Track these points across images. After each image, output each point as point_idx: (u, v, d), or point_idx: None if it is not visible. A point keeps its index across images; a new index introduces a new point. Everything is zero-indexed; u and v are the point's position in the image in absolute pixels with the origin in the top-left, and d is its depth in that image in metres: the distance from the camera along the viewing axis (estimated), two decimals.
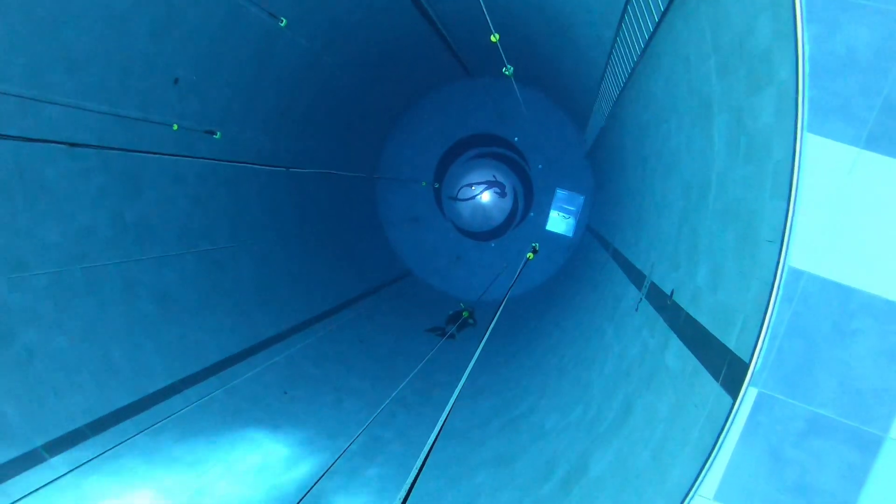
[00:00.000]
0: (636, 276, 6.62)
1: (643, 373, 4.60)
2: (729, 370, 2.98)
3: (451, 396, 8.98)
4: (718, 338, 3.27)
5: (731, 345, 3.05)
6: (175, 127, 7.62)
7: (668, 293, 4.71)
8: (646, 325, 5.24)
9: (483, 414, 8.66)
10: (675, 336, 4.13)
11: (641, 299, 5.88)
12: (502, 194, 19.58)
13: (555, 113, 18.40)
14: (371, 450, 8.00)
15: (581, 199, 18.68)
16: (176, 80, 8.52)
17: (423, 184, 15.31)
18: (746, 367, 2.74)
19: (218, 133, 8.22)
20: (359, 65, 13.51)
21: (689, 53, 4.52)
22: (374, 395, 10.16)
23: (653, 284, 5.58)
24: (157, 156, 8.17)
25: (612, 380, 5.49)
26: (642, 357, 4.86)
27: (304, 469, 7.50)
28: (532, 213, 19.36)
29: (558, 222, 18.91)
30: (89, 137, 7.17)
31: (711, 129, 4.09)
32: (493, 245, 19.52)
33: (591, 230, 16.13)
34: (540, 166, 19.14)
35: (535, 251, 7.99)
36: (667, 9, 4.84)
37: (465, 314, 15.37)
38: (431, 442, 2.32)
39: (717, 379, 3.11)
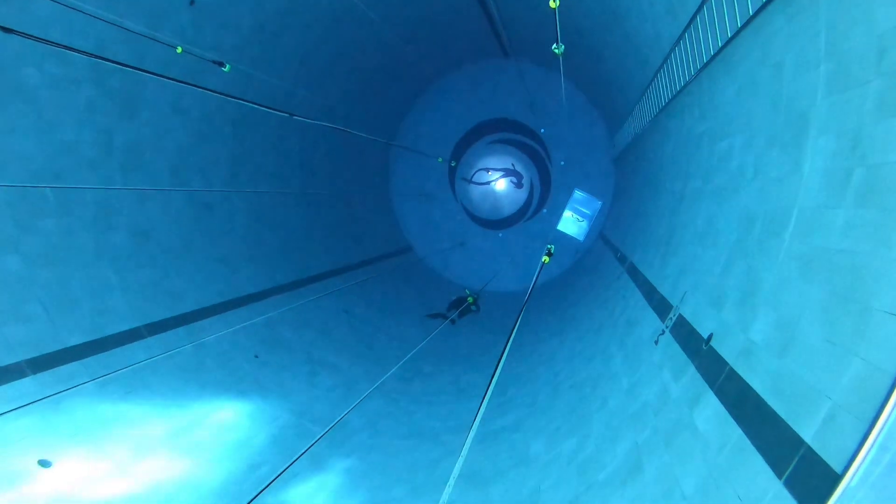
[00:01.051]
0: (659, 303, 5.92)
1: (660, 424, 3.93)
2: (800, 469, 2.30)
3: (434, 388, 8.28)
4: (784, 419, 2.59)
5: (807, 436, 2.36)
6: (179, 49, 6.84)
7: (705, 337, 4.02)
8: (668, 366, 4.56)
9: (461, 416, 8.02)
10: (711, 393, 3.45)
11: (664, 332, 5.19)
12: (518, 185, 18.83)
13: (588, 110, 17.57)
14: (337, 437, 7.35)
15: (599, 204, 17.94)
16: (192, 1, 7.74)
17: (440, 160, 14.57)
18: (835, 477, 2.05)
19: (227, 66, 7.45)
20: (393, 23, 12.66)
21: (785, 59, 3.77)
22: (351, 373, 9.53)
23: (681, 318, 4.89)
24: (158, 78, 7.42)
25: (617, 419, 4.82)
26: (660, 404, 4.18)
27: (262, 448, 6.87)
28: (545, 210, 18.64)
29: (571, 224, 18.18)
30: (84, 44, 6.41)
31: (802, 155, 3.36)
32: (500, 235, 18.83)
33: (604, 239, 15.41)
34: (562, 163, 18.37)
35: (550, 254, 7.27)
36: (764, 5, 4.08)
37: (469, 299, 14.78)
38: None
39: (778, 474, 2.43)
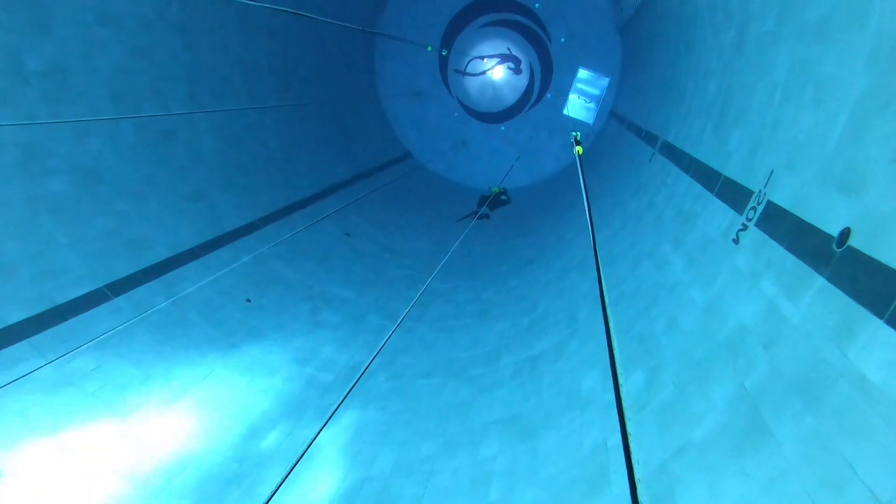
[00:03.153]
0: (726, 189, 4.67)
1: (783, 364, 2.82)
2: None
3: (452, 310, 7.25)
4: None
5: None
6: None
7: (835, 234, 2.82)
8: (769, 275, 3.40)
9: (490, 343, 7.02)
10: (880, 321, 2.32)
11: (745, 227, 3.99)
12: (517, 70, 17.11)
13: None
14: (348, 382, 6.38)
15: (606, 81, 16.28)
16: None
17: (429, 48, 12.93)
18: None
19: None
20: None
21: None
22: (359, 305, 8.50)
23: (774, 207, 3.67)
24: None
25: (701, 348, 3.71)
26: (773, 332, 3.05)
27: (267, 410, 5.91)
28: (549, 95, 17.03)
29: (578, 107, 16.62)
30: None
31: None
32: (502, 128, 17.35)
33: (618, 118, 13.90)
34: (563, 40, 16.55)
35: (578, 142, 5.98)
36: None
37: (495, 189, 13.66)
38: None
39: None
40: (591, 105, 16.46)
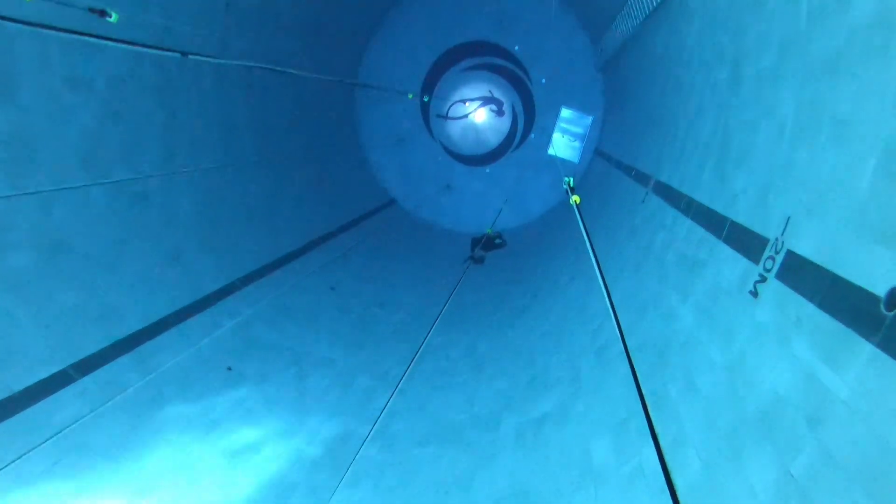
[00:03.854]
0: (735, 234, 4.35)
1: (837, 446, 2.45)
2: None
3: (446, 366, 6.80)
4: None
5: None
6: None
7: (881, 294, 2.48)
8: (798, 335, 3.04)
9: (488, 403, 6.57)
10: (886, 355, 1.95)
11: (764, 278, 3.65)
12: (499, 112, 17.02)
13: (565, 17, 15.59)
14: (340, 457, 5.90)
15: (590, 119, 16.20)
16: None
17: (410, 96, 12.79)
18: None
19: (114, 15, 5.62)
20: None
21: None
22: (347, 366, 8.04)
23: (795, 257, 3.34)
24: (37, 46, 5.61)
25: (725, 416, 3.32)
26: (816, 404, 2.68)
27: (248, 498, 5.39)
28: (533, 135, 16.91)
29: (563, 146, 16.48)
30: None
31: None
32: (487, 171, 17.15)
33: (604, 156, 13.72)
34: (543, 81, 16.52)
35: (572, 188, 5.67)
36: None
37: (489, 231, 13.32)
38: None
39: None
40: (576, 144, 16.34)
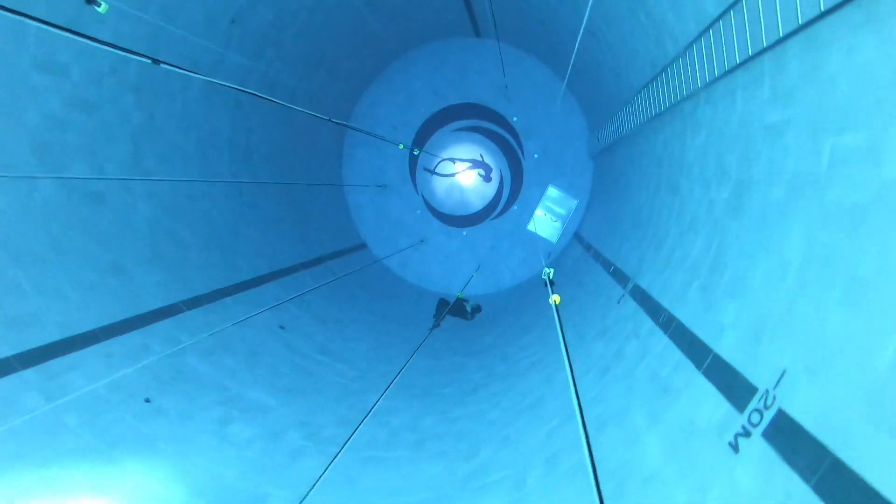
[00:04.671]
0: (717, 370, 4.03)
1: None
2: None
3: (385, 437, 6.26)
4: None
5: None
6: None
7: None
8: (770, 497, 2.69)
9: (419, 492, 6.04)
10: None
11: (748, 432, 3.30)
12: (487, 178, 16.91)
13: (568, 99, 15.74)
14: None
15: (575, 202, 16.17)
16: None
17: (401, 146, 12.56)
18: None
19: (103, 5, 5.25)
20: None
21: None
22: (279, 417, 7.43)
23: (788, 420, 3.01)
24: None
25: None
26: None
27: None
28: (516, 207, 16.80)
29: (544, 224, 16.36)
30: None
31: None
32: (464, 233, 16.89)
33: (583, 243, 13.59)
34: (536, 155, 16.53)
35: (551, 282, 5.34)
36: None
37: (459, 295, 12.82)
38: None
39: None
40: (557, 224, 16.25)
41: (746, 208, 4.77)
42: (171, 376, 6.92)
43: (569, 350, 7.67)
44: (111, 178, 7.22)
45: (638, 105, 9.03)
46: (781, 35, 4.04)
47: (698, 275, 5.37)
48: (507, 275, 16.40)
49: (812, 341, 3.12)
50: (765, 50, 4.42)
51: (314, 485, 4.74)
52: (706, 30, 5.57)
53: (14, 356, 5.43)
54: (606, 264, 9.65)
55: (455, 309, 13.44)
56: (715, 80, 5.65)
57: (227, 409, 7.09)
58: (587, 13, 6.82)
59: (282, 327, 9.79)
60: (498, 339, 11.18)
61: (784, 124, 4.23)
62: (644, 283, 6.98)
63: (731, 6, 4.86)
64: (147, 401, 6.41)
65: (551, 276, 5.80)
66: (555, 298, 4.42)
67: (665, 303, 5.90)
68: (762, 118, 4.66)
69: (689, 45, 6.15)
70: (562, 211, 16.28)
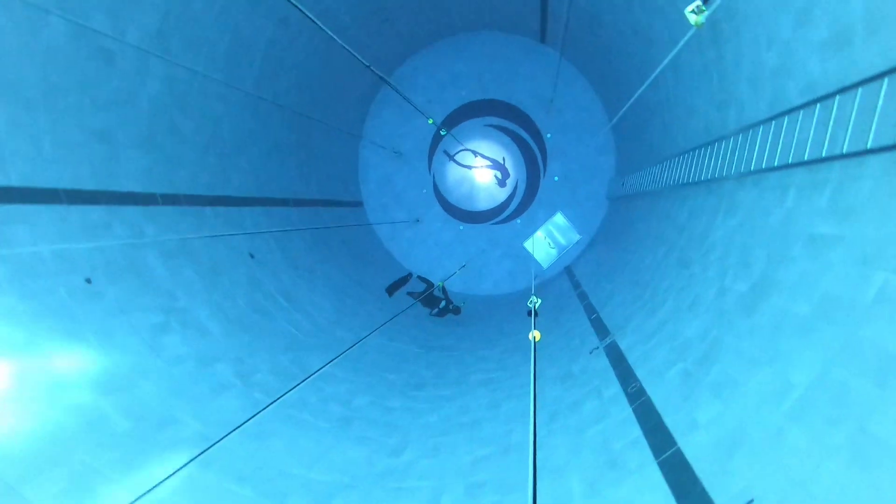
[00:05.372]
0: (683, 477, 3.73)
1: None
2: None
3: (320, 399, 5.84)
4: None
5: None
6: None
7: None
8: None
9: (339, 470, 5.73)
10: None
11: None
12: (501, 183, 16.53)
13: (606, 137, 15.43)
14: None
15: (578, 238, 15.87)
16: None
17: (430, 121, 12.15)
18: None
19: None
20: None
21: None
22: (215, 346, 7.07)
23: None
24: None
25: None
26: None
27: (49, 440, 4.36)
28: (519, 220, 16.47)
29: (541, 247, 16.06)
30: None
31: None
32: (461, 227, 16.54)
33: (572, 280, 13.30)
34: (556, 178, 16.19)
35: (536, 313, 5.02)
36: None
37: (440, 284, 12.40)
38: None
39: None
40: (554, 252, 15.96)
41: (761, 311, 4.47)
42: (123, 266, 6.50)
43: (514, 372, 7.38)
44: (129, 43, 6.74)
45: (677, 165, 8.72)
46: (868, 147, 3.73)
47: (685, 358, 5.08)
48: (489, 282, 16.10)
49: (796, 482, 2.83)
50: (841, 157, 4.11)
51: (229, 433, 4.40)
52: (780, 115, 5.26)
53: None
54: (590, 309, 9.36)
55: (428, 299, 13.12)
56: (770, 170, 5.35)
57: (167, 318, 6.70)
58: (664, 63, 6.47)
59: (252, 256, 9.40)
60: (460, 343, 10.87)
61: (834, 240, 3.92)
62: (623, 344, 6.69)
63: (820, 100, 4.54)
64: (88, 281, 6.00)
65: (537, 306, 5.48)
66: (535, 334, 4.09)
67: (640, 373, 5.61)
68: (810, 225, 4.35)
69: (756, 125, 5.83)
70: (562, 241, 15.98)
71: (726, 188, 6.68)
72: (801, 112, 4.76)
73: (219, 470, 5.23)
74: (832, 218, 4.02)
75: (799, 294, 4.04)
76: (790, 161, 4.84)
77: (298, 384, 5.17)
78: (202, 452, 4.13)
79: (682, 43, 5.38)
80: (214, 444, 4.33)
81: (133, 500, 4.32)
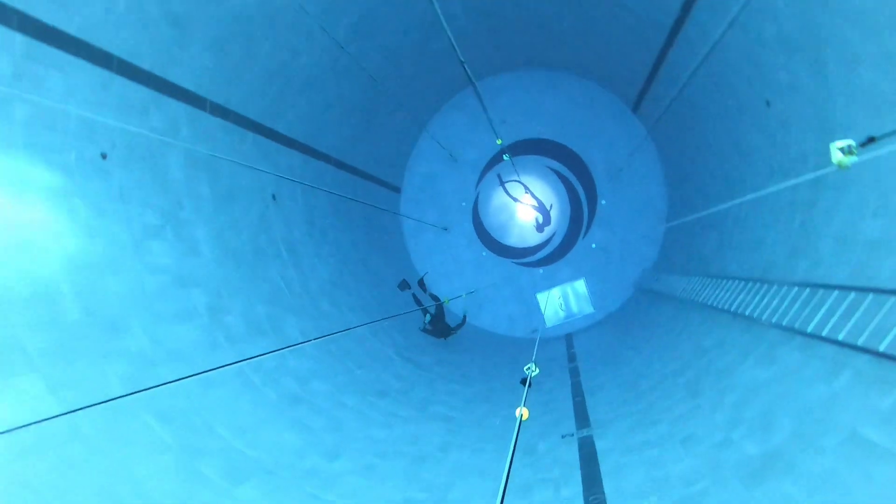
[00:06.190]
0: None
1: None
2: None
3: (275, 367, 5.43)
4: None
5: None
6: None
7: None
8: None
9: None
10: None
11: None
12: (539, 228, 16.10)
13: (657, 229, 14.97)
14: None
15: (591, 311, 15.38)
16: None
17: (499, 141, 11.76)
18: None
19: None
20: None
21: None
22: (200, 270, 6.68)
23: None
24: None
25: None
26: None
27: None
28: (542, 270, 15.99)
29: (552, 305, 15.57)
30: None
31: None
32: (483, 254, 16.09)
33: (568, 349, 12.77)
34: (593, 245, 15.74)
35: (529, 384, 4.56)
36: None
37: (446, 301, 11.97)
38: None
39: None
40: (562, 315, 15.48)
41: (764, 489, 3.98)
42: (142, 156, 6.13)
43: (468, 414, 6.89)
44: None
45: (721, 287, 8.22)
46: None
47: (662, 495, 4.60)
48: (487, 317, 15.62)
49: None
50: None
51: (184, 377, 3.99)
52: (863, 289, 4.77)
53: (14, 10, 4.62)
54: (577, 389, 8.86)
55: (437, 321, 12.77)
56: (830, 341, 4.86)
57: (163, 223, 6.31)
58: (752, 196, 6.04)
59: (274, 197, 9.03)
60: (436, 366, 10.42)
61: (883, 453, 3.44)
62: (600, 445, 6.20)
63: None
64: (103, 156, 5.63)
65: (533, 374, 5.03)
66: (523, 412, 3.63)
67: (608, 486, 5.13)
68: (858, 422, 3.86)
69: (829, 287, 5.36)
70: (574, 308, 15.50)
71: (768, 336, 6.18)
72: (893, 299, 4.27)
73: (146, 401, 4.79)
74: (890, 427, 3.53)
75: (816, 494, 3.55)
76: (859, 344, 4.35)
77: (271, 352, 4.79)
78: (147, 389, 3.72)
79: (794, 181, 4.91)
80: (161, 385, 3.92)
81: (47, 397, 3.94)
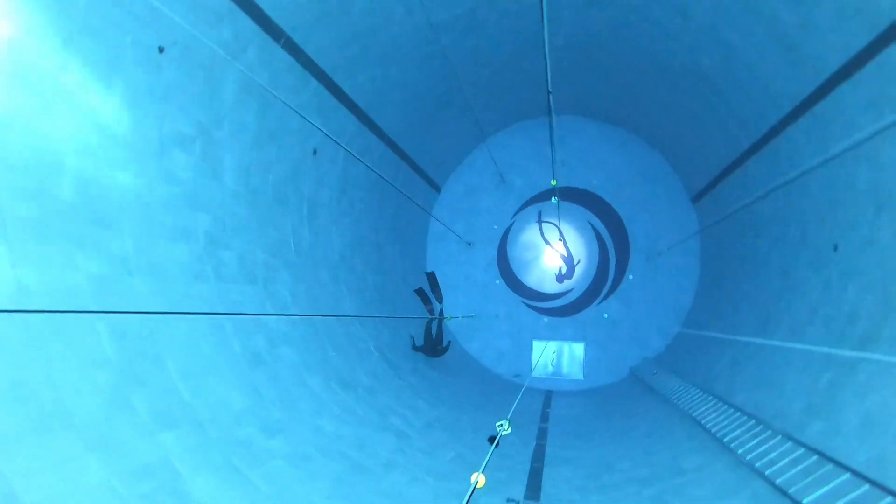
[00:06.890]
0: None
1: None
2: None
3: (267, 341, 5.05)
4: None
5: None
6: None
7: None
8: None
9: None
10: None
11: None
12: (560, 279, 15.64)
13: (672, 327, 14.45)
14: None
15: (580, 378, 14.88)
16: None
17: (554, 182, 11.34)
18: None
19: None
20: None
21: None
22: (214, 204, 6.34)
23: None
24: None
25: None
26: None
27: None
28: (546, 319, 15.56)
29: (545, 358, 15.06)
30: None
31: None
32: (497, 282, 15.65)
33: (542, 415, 12.20)
34: (606, 315, 15.28)
35: (496, 443, 4.14)
36: None
37: (448, 318, 11.55)
38: None
39: None
40: (550, 370, 14.98)
41: None
42: (198, 64, 5.80)
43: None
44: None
45: (719, 413, 7.72)
46: None
47: None
48: (477, 345, 15.18)
49: None
50: None
51: (148, 312, 3.63)
52: (878, 487, 4.28)
53: None
54: (538, 454, 8.36)
55: (429, 341, 12.44)
56: None
57: (196, 135, 5.98)
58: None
59: (315, 152, 8.70)
60: (409, 377, 9.99)
61: None
62: None
63: None
64: (160, 50, 5.32)
65: (504, 432, 4.61)
66: (480, 480, 3.22)
67: None
68: None
69: (845, 468, 4.86)
70: (565, 369, 15.03)
71: (754, 485, 5.68)
72: None
73: (104, 324, 4.43)
74: None
75: None
76: None
77: (259, 314, 4.41)
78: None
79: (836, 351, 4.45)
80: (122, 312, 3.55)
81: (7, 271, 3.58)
